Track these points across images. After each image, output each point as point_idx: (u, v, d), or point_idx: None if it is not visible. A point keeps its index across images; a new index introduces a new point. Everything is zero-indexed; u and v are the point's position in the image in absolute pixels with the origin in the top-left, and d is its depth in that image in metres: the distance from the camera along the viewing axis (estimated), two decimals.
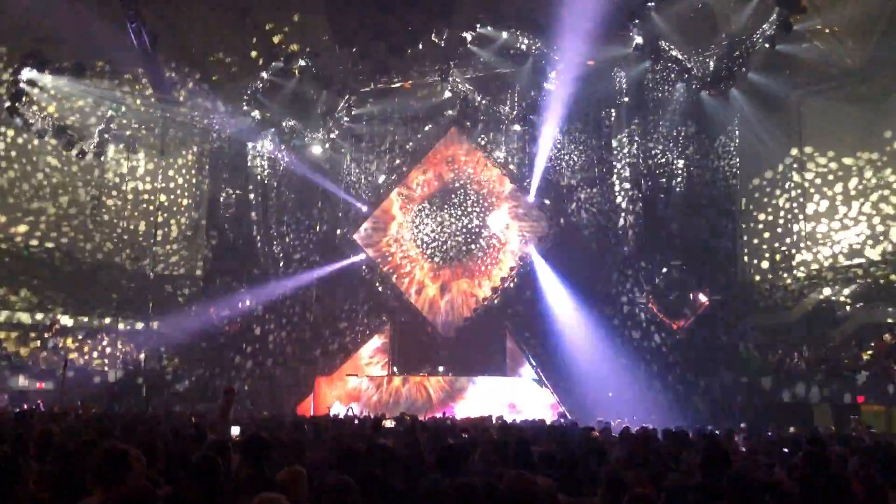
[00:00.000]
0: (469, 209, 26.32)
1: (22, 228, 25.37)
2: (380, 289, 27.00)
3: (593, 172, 24.76)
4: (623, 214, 23.88)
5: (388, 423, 12.38)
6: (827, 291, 21.60)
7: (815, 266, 22.42)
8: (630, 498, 4.03)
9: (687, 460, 7.17)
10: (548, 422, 16.77)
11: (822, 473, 5.37)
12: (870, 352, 19.22)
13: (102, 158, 26.44)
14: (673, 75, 22.85)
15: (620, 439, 9.50)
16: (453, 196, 26.62)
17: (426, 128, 26.95)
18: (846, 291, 21.25)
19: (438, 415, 20.16)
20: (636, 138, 23.82)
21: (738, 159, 23.19)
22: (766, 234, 23.54)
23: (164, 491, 4.12)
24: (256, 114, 26.45)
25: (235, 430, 9.16)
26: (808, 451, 6.58)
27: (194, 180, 28.71)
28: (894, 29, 20.05)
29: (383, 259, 27.06)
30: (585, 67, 23.34)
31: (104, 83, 25.56)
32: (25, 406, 18.16)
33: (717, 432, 12.58)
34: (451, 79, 25.02)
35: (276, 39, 26.37)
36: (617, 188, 24.11)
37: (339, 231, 27.60)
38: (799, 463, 6.65)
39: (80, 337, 25.21)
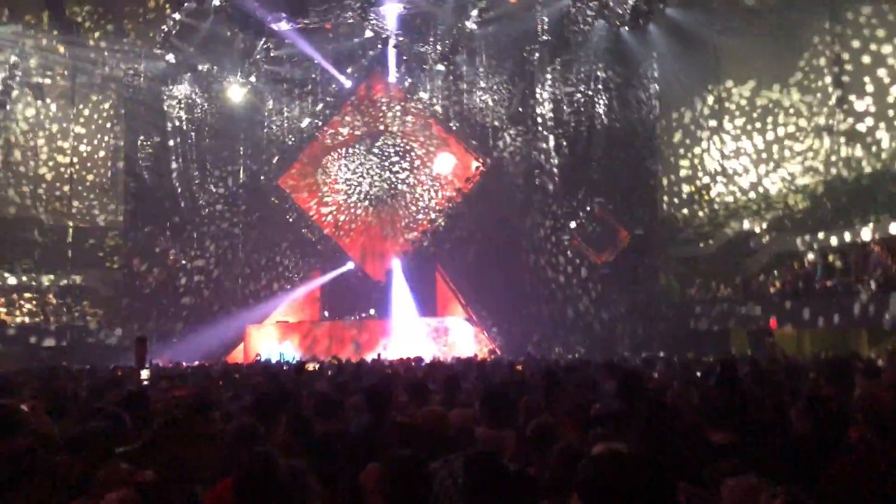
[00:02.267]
0: (394, 151, 26.14)
1: None
2: (307, 234, 26.74)
3: (517, 112, 24.85)
4: (547, 153, 24.12)
5: (311, 367, 12.45)
6: (741, 223, 22.40)
7: (730, 199, 23.17)
8: (534, 426, 4.18)
9: (608, 389, 7.45)
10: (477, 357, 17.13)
11: (729, 392, 5.67)
12: (782, 279, 20.10)
13: (9, 108, 25.09)
14: (593, 12, 22.86)
15: (541, 372, 9.77)
16: (379, 139, 26.36)
17: (348, 70, 26.38)
18: (760, 223, 22.06)
19: (369, 357, 20.33)
20: (558, 77, 23.92)
21: (657, 96, 23.57)
22: (685, 169, 24.15)
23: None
24: (171, 57, 25.31)
25: (145, 374, 9.19)
26: (720, 373, 6.95)
27: (109, 127, 27.56)
28: None
29: (309, 204, 26.75)
30: (508, 5, 23.18)
31: (7, 27, 24.07)
32: None
33: (636, 361, 13.08)
34: (371, 19, 24.45)
35: None
36: (540, 127, 24.27)
37: (262, 177, 27.06)
38: (710, 384, 7.02)
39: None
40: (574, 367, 10.17)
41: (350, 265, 26.17)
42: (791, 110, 22.10)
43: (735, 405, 5.00)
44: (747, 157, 22.88)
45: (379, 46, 25.49)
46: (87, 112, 27.17)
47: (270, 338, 24.34)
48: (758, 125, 22.77)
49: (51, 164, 26.51)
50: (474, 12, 23.52)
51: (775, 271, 20.46)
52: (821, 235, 19.69)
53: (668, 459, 3.96)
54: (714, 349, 17.51)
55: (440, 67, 25.27)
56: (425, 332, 23.22)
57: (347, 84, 26.43)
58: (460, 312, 24.51)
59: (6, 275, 24.76)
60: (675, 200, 24.17)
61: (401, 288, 25.05)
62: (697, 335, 20.63)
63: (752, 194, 22.83)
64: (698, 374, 9.00)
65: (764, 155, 22.60)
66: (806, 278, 18.98)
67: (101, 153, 27.39)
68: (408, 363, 13.76)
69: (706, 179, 23.71)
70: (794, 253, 20.55)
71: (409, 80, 26.19)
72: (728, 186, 23.28)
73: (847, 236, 18.68)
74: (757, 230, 22.07)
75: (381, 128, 26.39)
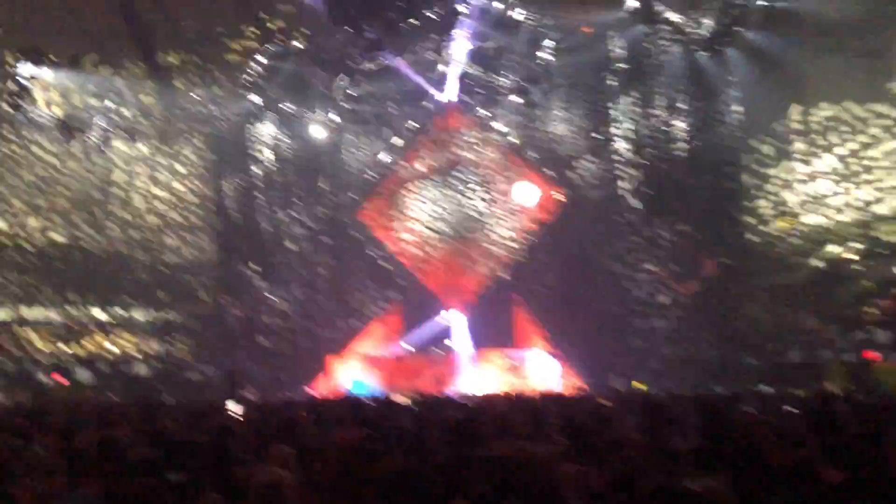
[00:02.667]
0: (471, 183, 26.30)
1: (33, 223, 25.74)
2: (387, 266, 27.07)
3: (594, 140, 24.72)
4: (626, 181, 23.85)
5: (402, 400, 12.47)
6: (833, 250, 21.53)
7: (821, 225, 22.33)
8: (620, 462, 4.10)
9: (692, 425, 7.24)
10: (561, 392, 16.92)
11: (824, 430, 5.43)
12: (880, 308, 19.21)
13: (105, 150, 26.52)
14: (668, 38, 22.64)
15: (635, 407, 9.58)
16: (456, 171, 26.58)
17: (424, 103, 26.76)
18: (853, 249, 21.18)
19: (450, 390, 20.33)
20: (635, 104, 23.73)
21: (738, 121, 23.06)
22: (771, 195, 23.43)
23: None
24: (256, 98, 26.44)
25: (236, 407, 9.38)
26: (815, 410, 6.67)
27: (199, 167, 28.79)
28: None
29: (390, 237, 27.10)
30: (581, 35, 23.20)
31: (102, 75, 25.56)
32: None
33: (724, 394, 12.67)
34: (446, 53, 24.83)
35: (273, 25, 26.23)
36: (618, 155, 24.06)
37: (343, 211, 27.63)
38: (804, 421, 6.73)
39: (98, 330, 25.62)
40: (663, 402, 9.93)
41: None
42: (882, 131, 21.27)
43: (831, 445, 4.80)
44: (836, 180, 22.07)
45: (454, 80, 25.77)
46: (177, 152, 28.44)
47: (353, 370, 24.61)
48: (846, 147, 21.98)
49: (144, 202, 27.78)
50: (547, 43, 23.62)
51: (871, 301, 19.59)
52: None
53: (762, 500, 3.82)
54: (807, 383, 16.75)
55: (515, 98, 25.40)
56: (505, 366, 23.07)
57: (423, 118, 26.71)
58: (541, 345, 24.25)
59: (102, 309, 25.96)
60: (762, 227, 23.44)
61: (476, 321, 24.99)
62: (788, 368, 19.83)
63: (843, 219, 21.96)
64: (790, 409, 8.66)
65: (854, 178, 21.77)
66: None
67: (192, 193, 28.57)
68: (492, 397, 13.70)
69: (793, 205, 22.94)
70: (891, 280, 19.66)
71: (485, 112, 26.38)
72: (818, 212, 22.47)
73: None
74: (851, 256, 21.20)
75: (458, 160, 26.59)
